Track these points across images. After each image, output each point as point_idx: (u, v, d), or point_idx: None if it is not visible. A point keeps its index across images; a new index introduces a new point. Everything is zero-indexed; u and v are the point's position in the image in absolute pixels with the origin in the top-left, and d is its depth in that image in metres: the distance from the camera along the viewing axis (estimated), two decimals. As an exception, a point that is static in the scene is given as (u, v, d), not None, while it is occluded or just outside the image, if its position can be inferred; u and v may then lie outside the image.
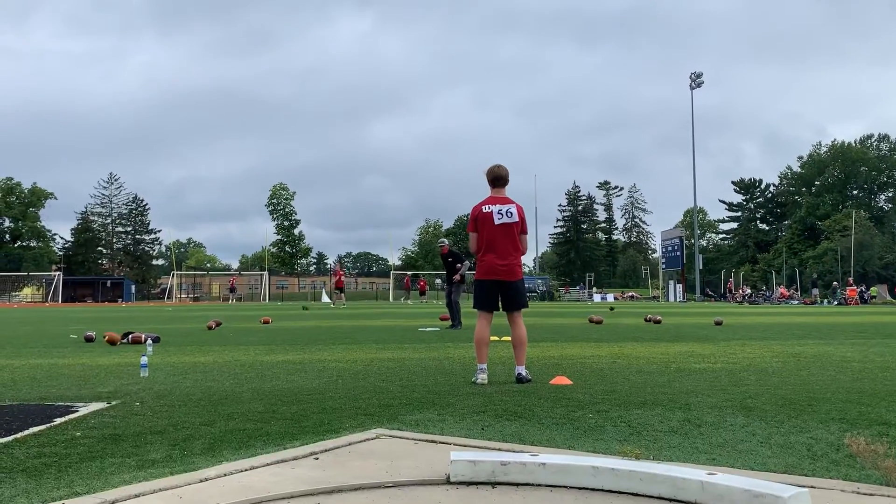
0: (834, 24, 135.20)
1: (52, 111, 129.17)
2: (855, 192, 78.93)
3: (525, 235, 6.43)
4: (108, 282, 63.39)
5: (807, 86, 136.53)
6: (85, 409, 4.83)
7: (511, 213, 6.29)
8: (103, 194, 79.63)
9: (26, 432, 4.08)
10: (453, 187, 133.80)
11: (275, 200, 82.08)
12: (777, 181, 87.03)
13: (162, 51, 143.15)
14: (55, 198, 75.38)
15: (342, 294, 38.84)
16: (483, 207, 6.33)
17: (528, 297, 7.21)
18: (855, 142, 79.86)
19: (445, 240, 16.60)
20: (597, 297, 56.85)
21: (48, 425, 4.28)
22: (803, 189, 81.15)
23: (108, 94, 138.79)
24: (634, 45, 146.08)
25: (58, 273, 60.00)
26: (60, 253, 74.67)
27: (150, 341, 9.60)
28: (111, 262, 79.03)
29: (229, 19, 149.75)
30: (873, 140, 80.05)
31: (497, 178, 6.44)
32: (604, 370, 6.97)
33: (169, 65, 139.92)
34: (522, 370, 6.17)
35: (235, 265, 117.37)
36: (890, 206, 77.32)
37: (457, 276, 14.17)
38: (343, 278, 40.61)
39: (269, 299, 58.24)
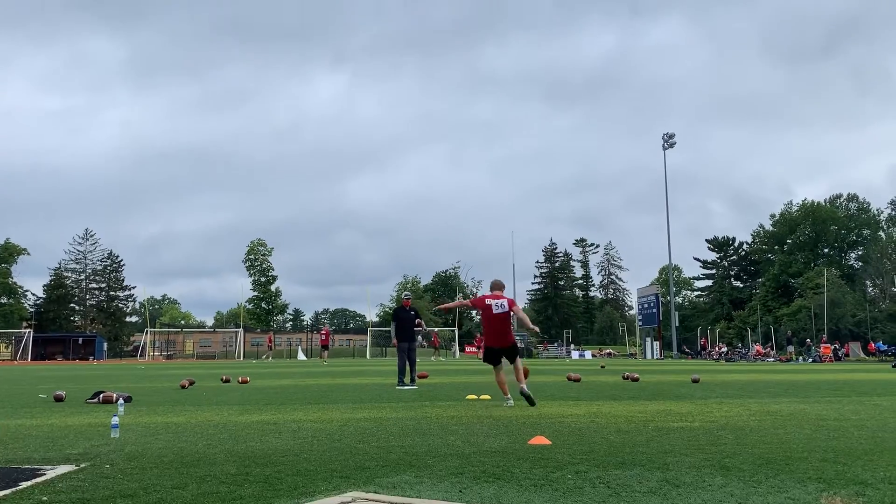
0: (794, 89, 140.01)
1: (26, 167, 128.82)
2: (826, 250, 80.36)
3: (515, 307, 9.90)
4: (80, 339, 62.20)
5: (771, 147, 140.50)
6: (53, 472, 4.71)
7: (503, 305, 9.78)
8: (78, 250, 78.96)
9: (-9, 497, 3.96)
10: (430, 244, 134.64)
11: (252, 256, 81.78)
12: (749, 239, 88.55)
13: (136, 107, 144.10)
14: (28, 253, 74.55)
15: (325, 351, 42.32)
16: (486, 300, 9.90)
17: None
18: (825, 201, 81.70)
19: (410, 293, 17.49)
20: (575, 355, 56.76)
21: (13, 489, 4.15)
22: (776, 247, 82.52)
23: (82, 150, 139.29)
24: (603, 107, 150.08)
25: (28, 330, 58.83)
26: (32, 309, 73.40)
27: (121, 401, 9.41)
28: (84, 318, 77.79)
29: (204, 77, 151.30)
30: (842, 200, 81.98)
31: (495, 287, 10.20)
32: (582, 429, 6.93)
33: (143, 121, 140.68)
34: (524, 386, 9.47)
35: (210, 322, 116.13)
36: (860, 264, 78.69)
37: (419, 328, 15.45)
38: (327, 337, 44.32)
39: (244, 357, 57.43)
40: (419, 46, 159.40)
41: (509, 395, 9.74)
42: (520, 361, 9.72)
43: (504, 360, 9.84)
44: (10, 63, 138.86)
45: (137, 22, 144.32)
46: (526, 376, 9.76)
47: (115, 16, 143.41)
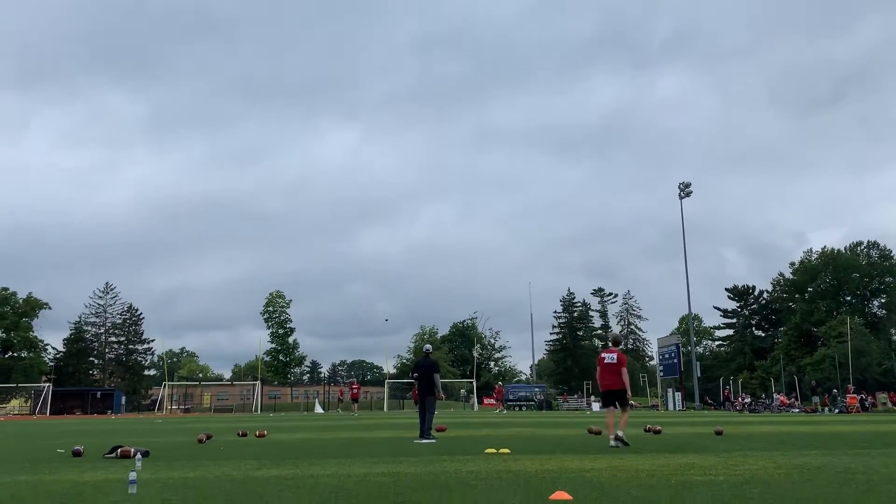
0: (805, 137, 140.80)
1: (47, 223, 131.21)
2: (848, 297, 79.29)
3: (623, 367, 12.43)
4: (98, 393, 62.25)
5: (784, 195, 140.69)
6: (70, 530, 4.68)
7: (613, 359, 12.49)
8: (98, 304, 79.43)
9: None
10: (444, 295, 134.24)
11: (270, 308, 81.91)
12: (769, 287, 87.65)
13: (154, 164, 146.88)
14: (49, 307, 75.19)
15: (355, 404, 44.61)
16: (602, 354, 12.76)
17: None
18: (845, 248, 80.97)
19: (430, 346, 17.48)
20: (595, 407, 55.92)
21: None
22: (797, 295, 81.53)
23: (100, 205, 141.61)
24: (613, 158, 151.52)
25: (47, 384, 59.01)
26: (51, 364, 73.69)
27: (139, 455, 9.38)
28: (103, 372, 77.94)
29: (219, 133, 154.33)
30: (862, 247, 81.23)
31: (613, 342, 13.57)
32: (604, 485, 6.81)
33: (161, 177, 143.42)
34: (620, 432, 11.83)
35: (228, 375, 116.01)
36: (883, 312, 77.51)
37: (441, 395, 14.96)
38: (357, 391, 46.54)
39: (262, 410, 57.16)
40: (429, 101, 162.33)
41: (612, 434, 11.87)
42: (625, 412, 12.33)
43: (619, 406, 12.35)
44: (29, 120, 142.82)
45: (153, 81, 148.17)
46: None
47: (131, 74, 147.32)
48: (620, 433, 11.79)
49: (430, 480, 7.32)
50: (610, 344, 13.76)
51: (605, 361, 12.62)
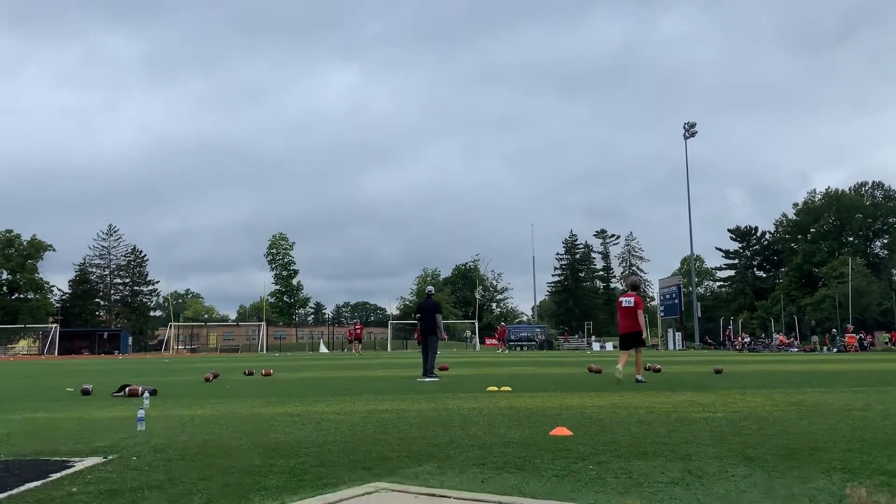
0: (811, 75, 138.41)
1: (47, 165, 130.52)
2: (850, 238, 79.26)
3: (640, 309, 13.13)
4: (105, 333, 63.02)
5: (789, 135, 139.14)
6: (81, 464, 4.79)
7: (631, 302, 13.14)
8: (102, 246, 79.80)
9: (22, 489, 4.04)
10: (447, 237, 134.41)
11: (274, 250, 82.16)
12: (772, 228, 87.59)
13: (154, 104, 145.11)
14: (53, 249, 75.57)
15: (360, 344, 45.09)
16: (620, 298, 13.58)
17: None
18: (849, 189, 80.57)
19: (433, 287, 17.77)
20: (596, 346, 56.57)
21: (44, 481, 4.24)
22: (799, 236, 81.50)
23: (100, 147, 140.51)
24: (617, 97, 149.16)
25: (54, 325, 59.70)
26: (58, 305, 74.41)
27: (146, 394, 9.53)
28: (109, 313, 78.75)
29: (219, 74, 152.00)
30: (867, 188, 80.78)
31: (631, 286, 14.18)
32: (604, 420, 6.92)
33: (160, 118, 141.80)
34: (639, 376, 12.45)
35: (233, 316, 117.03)
36: (885, 252, 77.57)
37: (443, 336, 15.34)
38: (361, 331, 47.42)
39: (267, 350, 57.90)
40: (430, 40, 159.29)
41: (621, 366, 12.53)
42: (640, 354, 12.96)
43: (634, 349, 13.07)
44: (26, 61, 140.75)
45: (151, 20, 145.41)
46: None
47: (128, 13, 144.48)
48: (639, 377, 12.45)
49: (433, 417, 7.45)
50: (628, 288, 14.29)
51: (623, 305, 13.22)
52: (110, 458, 5.06)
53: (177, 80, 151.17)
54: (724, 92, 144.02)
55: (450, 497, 3.63)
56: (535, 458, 4.78)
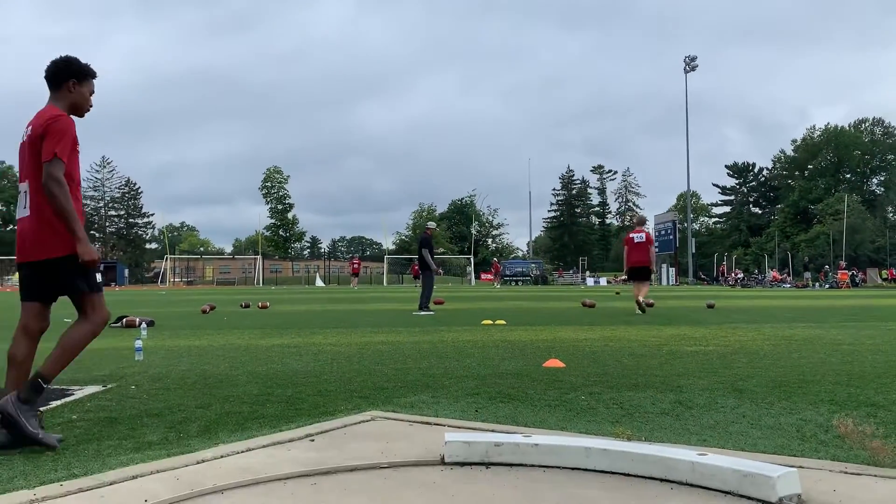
0: (816, 9, 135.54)
1: (35, 95, 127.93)
2: (848, 175, 79.13)
3: (651, 244, 14.14)
4: (101, 265, 63.05)
5: (790, 70, 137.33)
6: (81, 393, 4.86)
7: (642, 237, 14.01)
8: (95, 178, 79.28)
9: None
10: (443, 171, 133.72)
11: (268, 184, 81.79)
12: (770, 165, 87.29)
13: (144, 34, 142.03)
14: (46, 180, 74.89)
15: (356, 279, 46.33)
16: (631, 234, 14.30)
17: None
18: (849, 126, 79.97)
19: (434, 223, 17.87)
20: (590, 281, 57.01)
21: (44, 408, 4.29)
22: (796, 173, 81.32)
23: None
24: (615, 30, 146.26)
25: (50, 257, 59.62)
26: (53, 237, 74.22)
27: (144, 325, 9.61)
28: (104, 245, 78.78)
29: (210, 1, 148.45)
30: (867, 124, 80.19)
31: (639, 222, 15.35)
32: (596, 353, 7.02)
33: (151, 48, 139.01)
34: (641, 298, 13.44)
35: (229, 249, 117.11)
36: (882, 190, 77.56)
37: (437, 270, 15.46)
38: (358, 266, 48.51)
39: (263, 283, 58.22)
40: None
41: (641, 299, 13.45)
42: (647, 285, 14.03)
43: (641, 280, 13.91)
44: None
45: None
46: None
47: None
48: (641, 298, 13.46)
49: (428, 348, 7.54)
50: (636, 225, 15.30)
51: (635, 241, 14.03)
52: (109, 386, 5.13)
53: (167, 6, 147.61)
54: (724, 25, 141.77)
55: (444, 425, 3.70)
56: (528, 389, 4.86)
